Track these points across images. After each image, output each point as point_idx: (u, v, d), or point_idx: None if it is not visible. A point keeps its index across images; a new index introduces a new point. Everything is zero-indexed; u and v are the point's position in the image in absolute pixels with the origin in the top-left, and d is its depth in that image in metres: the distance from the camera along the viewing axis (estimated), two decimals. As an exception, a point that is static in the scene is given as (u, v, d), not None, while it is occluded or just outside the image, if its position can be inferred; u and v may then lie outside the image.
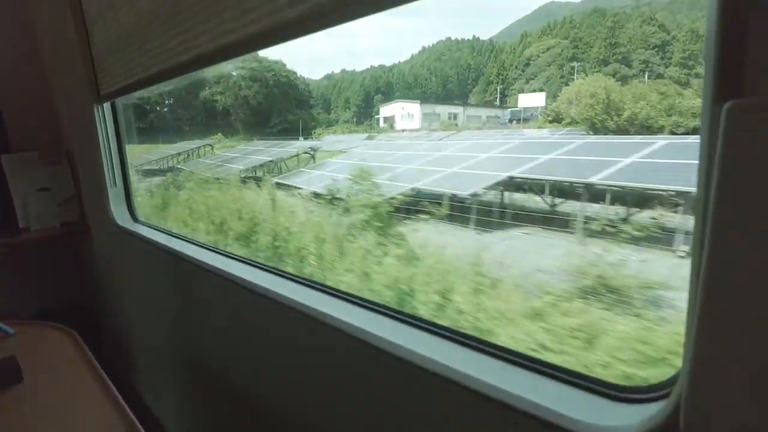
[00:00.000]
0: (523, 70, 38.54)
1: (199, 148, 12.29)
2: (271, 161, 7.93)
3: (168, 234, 1.75)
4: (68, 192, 2.30)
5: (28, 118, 2.30)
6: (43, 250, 2.42)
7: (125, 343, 2.25)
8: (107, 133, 1.93)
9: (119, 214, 1.99)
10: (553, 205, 4.19)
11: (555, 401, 0.58)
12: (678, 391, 0.44)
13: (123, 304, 2.16)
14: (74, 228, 2.28)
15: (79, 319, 2.25)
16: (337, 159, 7.31)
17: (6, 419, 0.90)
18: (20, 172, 2.15)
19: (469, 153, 5.19)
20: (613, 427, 0.53)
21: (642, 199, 3.18)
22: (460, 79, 55.66)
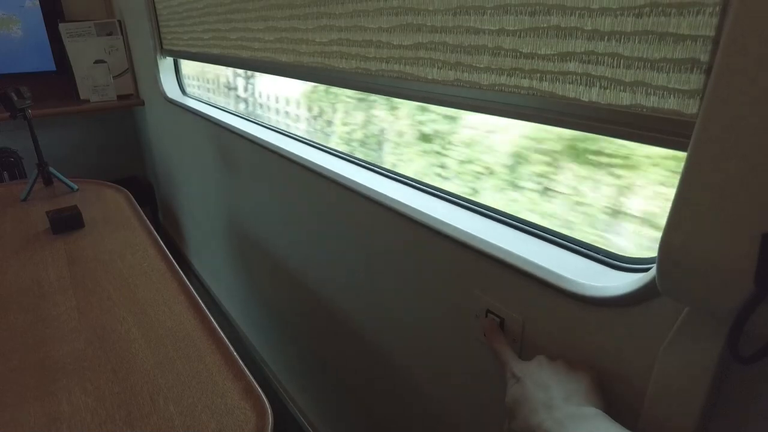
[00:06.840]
0: None
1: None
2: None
3: (214, 106, 1.79)
4: (122, 65, 2.35)
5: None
6: (102, 120, 2.58)
7: (176, 210, 2.45)
8: (154, 5, 1.91)
9: (169, 87, 2.04)
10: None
11: (560, 266, 0.59)
12: None
13: (174, 174, 2.31)
14: (130, 100, 2.37)
15: (135, 186, 2.43)
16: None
17: (71, 254, 1.04)
18: (77, 43, 2.21)
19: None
20: (606, 287, 0.53)
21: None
22: None
